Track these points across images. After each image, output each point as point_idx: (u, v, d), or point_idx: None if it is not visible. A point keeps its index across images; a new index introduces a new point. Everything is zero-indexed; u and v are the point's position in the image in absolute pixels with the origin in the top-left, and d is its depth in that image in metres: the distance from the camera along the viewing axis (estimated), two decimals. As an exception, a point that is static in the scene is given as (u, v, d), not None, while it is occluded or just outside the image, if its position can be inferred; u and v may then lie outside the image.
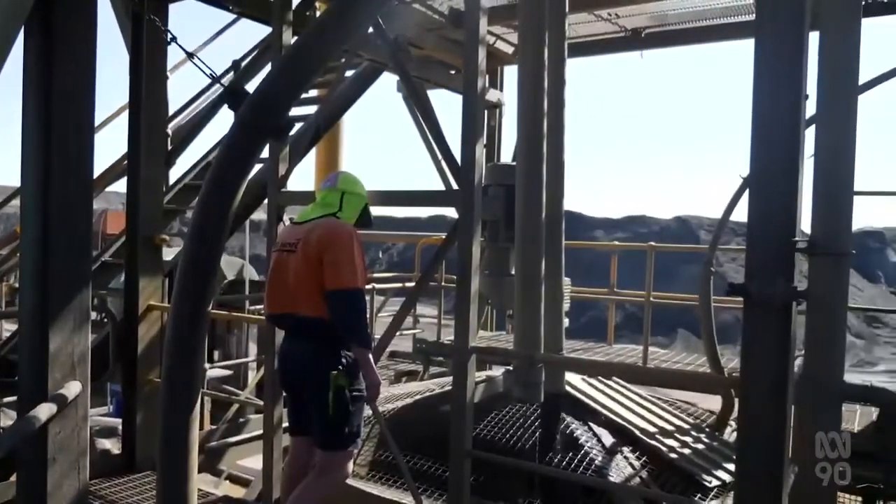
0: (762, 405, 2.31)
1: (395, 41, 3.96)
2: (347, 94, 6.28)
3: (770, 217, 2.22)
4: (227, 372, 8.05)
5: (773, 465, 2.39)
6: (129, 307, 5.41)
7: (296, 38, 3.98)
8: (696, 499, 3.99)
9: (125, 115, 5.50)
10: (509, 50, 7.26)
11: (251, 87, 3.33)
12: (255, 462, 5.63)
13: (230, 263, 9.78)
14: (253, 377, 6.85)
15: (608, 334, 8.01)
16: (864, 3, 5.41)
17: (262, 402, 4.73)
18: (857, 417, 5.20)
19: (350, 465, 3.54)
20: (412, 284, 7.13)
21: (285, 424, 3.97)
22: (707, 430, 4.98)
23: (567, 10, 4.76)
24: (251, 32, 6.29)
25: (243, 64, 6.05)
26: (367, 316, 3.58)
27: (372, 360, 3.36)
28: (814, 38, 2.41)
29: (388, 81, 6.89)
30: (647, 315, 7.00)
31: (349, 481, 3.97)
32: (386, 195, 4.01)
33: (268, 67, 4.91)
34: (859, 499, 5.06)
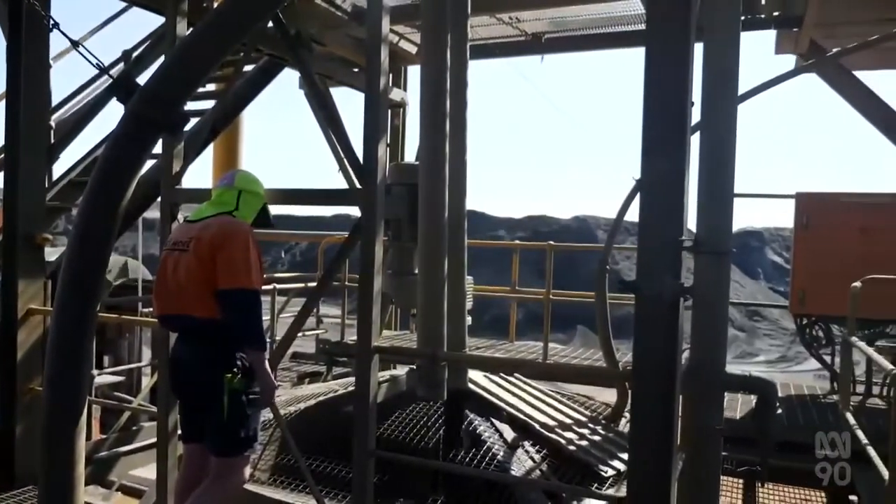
0: (652, 396, 2.43)
1: (295, 36, 3.88)
2: (247, 89, 6.12)
3: (659, 218, 2.33)
4: (119, 378, 7.68)
5: (663, 452, 2.52)
6: (7, 311, 5.05)
7: (191, 29, 3.83)
8: (592, 488, 4.14)
9: (2, 105, 5.13)
10: (413, 49, 7.29)
11: (143, 79, 3.19)
12: (148, 472, 5.39)
13: (121, 264, 9.29)
14: (146, 383, 6.56)
15: (510, 332, 8.18)
16: (742, 18, 5.78)
17: (155, 409, 4.52)
18: (738, 406, 5.55)
19: (247, 471, 3.42)
20: (315, 284, 7.02)
21: (181, 431, 3.82)
22: (603, 421, 5.18)
23: (469, 12, 4.82)
24: (144, 22, 6.02)
25: (134, 55, 5.77)
26: (264, 317, 3.49)
27: (267, 364, 3.25)
28: (699, 49, 2.55)
29: (293, 77, 6.75)
30: (546, 312, 7.19)
31: (249, 486, 3.87)
32: (287, 194, 3.93)
33: (161, 59, 4.70)
34: (741, 481, 5.42)
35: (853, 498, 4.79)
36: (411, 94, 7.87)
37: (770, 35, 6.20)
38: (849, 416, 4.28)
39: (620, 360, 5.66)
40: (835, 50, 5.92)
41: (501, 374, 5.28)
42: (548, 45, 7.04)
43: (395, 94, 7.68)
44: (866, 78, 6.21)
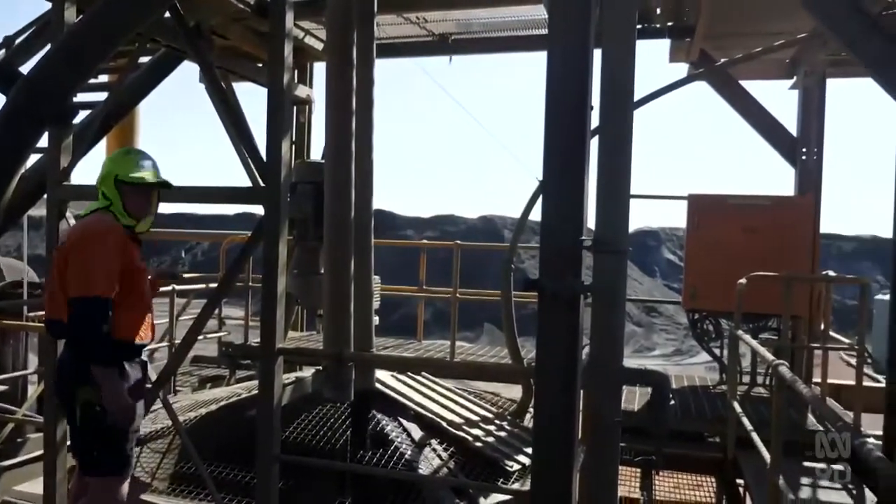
0: (554, 391, 2.50)
1: (195, 28, 3.74)
2: (142, 81, 5.84)
3: (560, 218, 2.40)
4: (2, 387, 7.17)
5: (565, 445, 2.59)
6: None
7: (80, 16, 3.62)
8: (498, 483, 4.22)
9: None
10: (319, 46, 7.18)
11: (26, 68, 2.99)
12: (35, 486, 5.06)
13: (4, 265, 8.67)
14: (33, 391, 6.15)
15: (417, 331, 8.21)
16: (639, 27, 6.03)
17: (42, 419, 4.25)
18: (636, 398, 5.78)
19: (124, 489, 3.14)
20: (216, 285, 6.79)
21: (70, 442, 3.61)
22: (509, 417, 5.28)
23: (375, 10, 4.80)
24: (27, 8, 5.65)
25: (17, 42, 5.40)
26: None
27: (116, 380, 2.98)
28: (598, 55, 2.64)
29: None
30: (453, 311, 7.26)
31: (147, 497, 3.71)
32: (187, 192, 3.77)
33: (47, 48, 4.42)
34: (639, 470, 5.65)
35: (740, 481, 5.09)
36: (318, 91, 7.76)
37: (665, 44, 6.51)
38: (736, 404, 4.55)
39: (525, 356, 5.80)
40: (723, 60, 6.29)
41: (409, 374, 5.29)
42: (455, 46, 7.11)
43: (301, 91, 7.54)
44: (751, 87, 6.63)
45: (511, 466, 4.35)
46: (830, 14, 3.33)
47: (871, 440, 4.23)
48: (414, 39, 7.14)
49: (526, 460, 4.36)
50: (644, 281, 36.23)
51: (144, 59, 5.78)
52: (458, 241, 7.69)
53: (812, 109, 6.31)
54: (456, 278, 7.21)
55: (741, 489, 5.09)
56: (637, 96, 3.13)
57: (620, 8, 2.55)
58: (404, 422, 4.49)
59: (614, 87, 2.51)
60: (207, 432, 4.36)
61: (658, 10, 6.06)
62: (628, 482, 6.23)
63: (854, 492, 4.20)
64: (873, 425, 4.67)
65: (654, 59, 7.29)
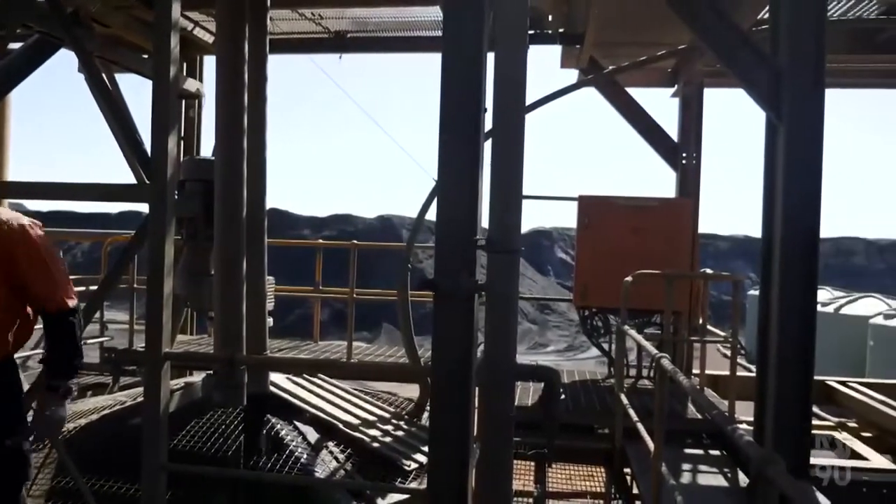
0: (450, 389, 2.53)
1: (72, 15, 3.52)
2: (12, 69, 5.43)
3: (455, 218, 2.43)
4: None
5: (460, 442, 2.62)
6: None
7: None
8: (396, 482, 4.22)
9: None
10: (210, 39, 6.93)
11: None
12: None
13: None
14: None
15: (314, 332, 8.08)
16: (532, 32, 6.18)
17: None
18: (530, 394, 5.94)
19: None
20: (97, 287, 6.41)
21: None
22: (406, 417, 5.30)
23: (269, 4, 4.69)
24: None
25: None
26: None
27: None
28: (492, 58, 2.69)
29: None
30: (350, 311, 7.20)
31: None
32: (63, 188, 3.55)
33: None
34: (532, 464, 5.80)
35: (627, 470, 5.33)
36: (208, 85, 7.48)
37: (557, 50, 6.72)
38: (622, 397, 4.75)
39: (423, 355, 5.83)
40: (610, 67, 6.57)
41: (305, 376, 5.20)
42: (351, 44, 7.05)
43: (190, 85, 7.25)
44: (636, 94, 6.96)
45: (408, 465, 4.37)
46: (706, 28, 3.55)
47: (743, 426, 4.53)
48: (309, 36, 7.02)
49: (423, 459, 4.39)
50: (538, 279, 37.25)
51: (14, 46, 5.38)
52: (356, 241, 7.63)
53: (691, 116, 6.70)
54: (353, 278, 7.16)
55: (628, 478, 5.33)
56: (530, 100, 3.22)
57: (512, 13, 2.60)
58: (300, 425, 4.41)
59: (507, 91, 2.56)
60: (88, 443, 4.12)
61: (550, 17, 6.25)
62: (523, 476, 6.38)
63: (729, 475, 4.50)
64: (747, 412, 5.01)
65: (546, 64, 7.52)
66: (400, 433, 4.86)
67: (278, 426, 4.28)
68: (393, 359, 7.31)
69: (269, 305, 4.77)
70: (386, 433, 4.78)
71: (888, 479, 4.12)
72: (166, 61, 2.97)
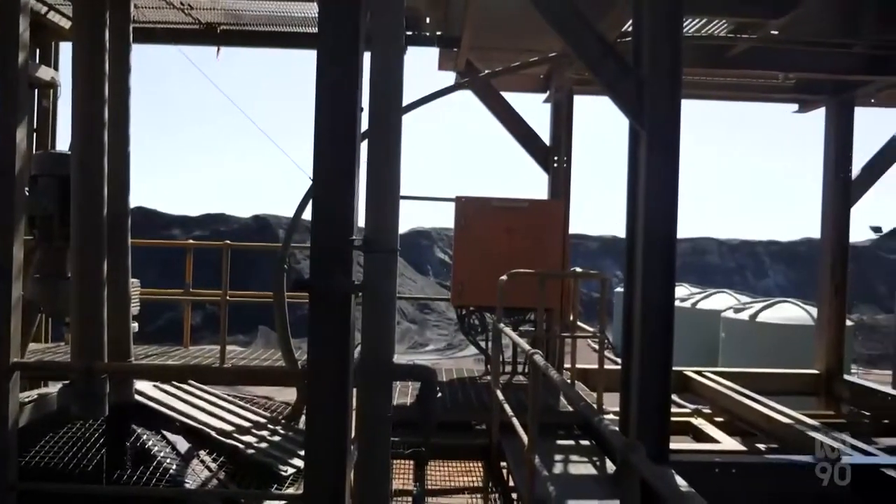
0: (327, 391, 2.50)
1: None
2: None
3: (331, 218, 2.41)
4: None
5: (338, 444, 2.60)
6: None
7: None
8: (272, 489, 4.12)
9: None
10: (66, 24, 6.45)
11: None
12: None
13: None
14: None
15: (184, 336, 7.71)
16: (409, 33, 6.22)
17: None
18: (409, 393, 5.96)
19: None
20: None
21: None
22: (283, 421, 5.18)
23: (132, -10, 4.43)
24: None
25: None
26: None
27: None
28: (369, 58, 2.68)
29: None
30: (223, 314, 6.93)
31: None
32: None
33: None
34: (412, 462, 5.83)
35: (504, 464, 5.47)
36: (65, 74, 6.96)
37: (434, 52, 6.79)
38: (499, 393, 4.88)
39: (300, 358, 5.71)
40: (486, 71, 6.72)
41: (174, 383, 4.96)
42: (223, 38, 6.79)
43: (45, 73, 6.71)
44: (511, 98, 7.17)
45: (285, 471, 4.28)
46: (575, 38, 3.71)
47: (610, 416, 4.78)
48: (179, 26, 6.70)
49: (301, 463, 4.31)
50: (417, 279, 37.52)
51: None
52: (228, 241, 7.36)
53: (562, 121, 6.97)
54: (226, 280, 6.89)
55: (505, 471, 5.48)
56: (408, 101, 3.24)
57: (389, 14, 2.61)
58: (169, 435, 4.21)
59: (384, 91, 2.57)
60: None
61: (428, 20, 6.31)
62: (402, 475, 6.40)
63: (598, 463, 4.72)
64: (615, 403, 5.28)
65: (424, 66, 7.60)
66: (276, 438, 4.74)
67: (144, 437, 4.06)
68: (269, 362, 7.11)
69: (134, 310, 4.51)
70: (262, 439, 4.65)
71: (737, 459, 4.49)
72: (14, 47, 2.75)
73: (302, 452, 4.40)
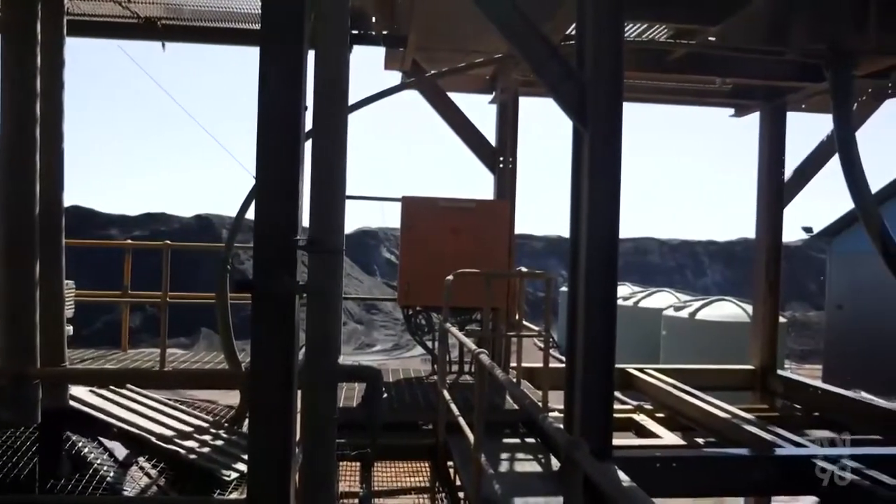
0: (270, 394, 2.46)
1: None
2: None
3: (274, 218, 2.37)
4: None
5: (282, 448, 2.57)
6: None
7: None
8: (215, 494, 4.04)
9: None
10: (-6, 15, 6.18)
11: None
12: None
13: None
14: None
15: (122, 339, 7.49)
16: (355, 32, 6.18)
17: None
18: (356, 394, 5.92)
19: None
20: None
21: None
22: (226, 425, 5.08)
23: (66, -19, 4.28)
24: None
25: None
26: None
27: None
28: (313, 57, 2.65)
29: None
30: (164, 316, 6.76)
31: None
32: None
33: None
34: (358, 464, 5.80)
35: (451, 463, 5.49)
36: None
37: (381, 52, 6.76)
38: (445, 392, 4.89)
39: (244, 360, 5.61)
40: (432, 72, 6.73)
41: (112, 388, 4.81)
42: (165, 33, 6.60)
43: (-30, 66, 6.42)
44: (458, 99, 7.19)
45: (228, 476, 4.20)
46: (520, 40, 3.74)
47: (554, 414, 4.85)
48: (116, 20, 6.49)
49: (244, 467, 4.23)
50: (364, 279, 37.28)
51: None
52: (168, 241, 7.18)
53: (508, 122, 7.03)
54: (166, 281, 6.72)
55: (452, 471, 5.49)
56: (354, 99, 3.22)
57: (334, 11, 2.59)
58: (106, 441, 4.10)
59: (328, 90, 2.55)
60: None
61: (374, 19, 6.28)
62: (349, 477, 6.35)
63: (543, 461, 4.78)
64: (561, 401, 5.35)
65: (371, 65, 7.56)
66: (219, 443, 4.65)
67: (80, 444, 3.94)
68: (212, 365, 6.96)
69: (69, 312, 4.36)
70: (204, 444, 4.55)
71: (677, 454, 4.61)
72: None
73: (245, 456, 4.33)
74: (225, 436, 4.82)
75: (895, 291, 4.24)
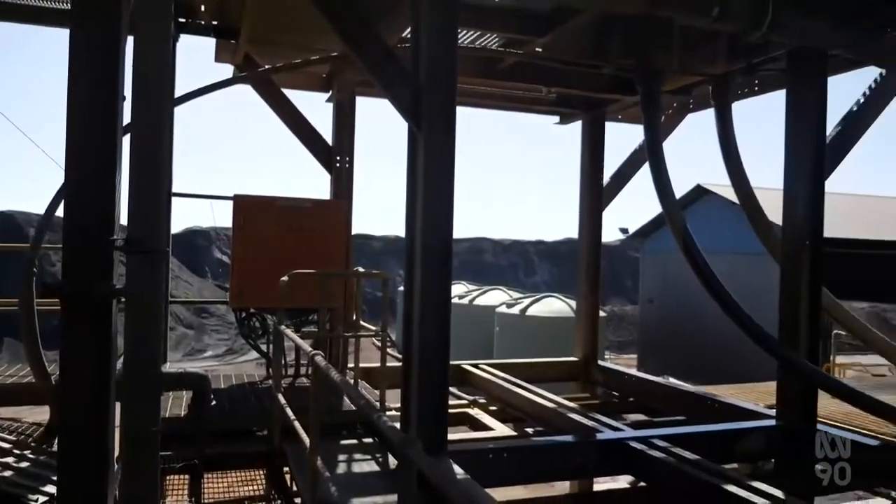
0: (83, 408, 2.27)
1: None
2: None
3: (87, 216, 2.18)
4: None
5: (98, 465, 2.37)
6: None
7: None
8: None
9: None
10: None
11: None
12: None
13: None
14: None
15: None
16: (182, 20, 5.82)
17: None
18: (183, 403, 5.61)
19: None
20: None
21: None
22: (33, 445, 4.61)
23: None
24: None
25: None
26: None
27: None
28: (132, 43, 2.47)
29: None
30: (-43, 326, 6.01)
31: None
32: None
33: None
34: (187, 477, 5.50)
35: (286, 468, 5.36)
36: None
37: (212, 43, 6.44)
38: (280, 396, 4.77)
39: (54, 372, 5.12)
40: (266, 67, 6.53)
41: None
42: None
43: None
44: (294, 96, 7.03)
45: (35, 499, 3.81)
46: (356, 40, 3.74)
47: (392, 412, 4.89)
48: (31, 3, 5.65)
49: (55, 489, 3.87)
50: (194, 281, 35.46)
51: None
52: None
53: (344, 121, 6.98)
54: (-40, 286, 5.97)
55: (288, 477, 5.36)
56: (181, 92, 3.04)
57: (155, -3, 2.43)
58: None
59: (149, 80, 2.39)
60: None
61: (203, 7, 5.97)
62: (177, 490, 6.01)
63: (380, 460, 4.80)
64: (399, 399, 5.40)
65: (202, 56, 7.16)
66: (25, 464, 4.21)
67: None
68: (16, 378, 6.29)
69: None
70: (6, 466, 4.10)
71: (509, 444, 4.81)
72: None
73: (56, 478, 3.96)
74: (31, 456, 4.37)
75: (698, 286, 4.71)
